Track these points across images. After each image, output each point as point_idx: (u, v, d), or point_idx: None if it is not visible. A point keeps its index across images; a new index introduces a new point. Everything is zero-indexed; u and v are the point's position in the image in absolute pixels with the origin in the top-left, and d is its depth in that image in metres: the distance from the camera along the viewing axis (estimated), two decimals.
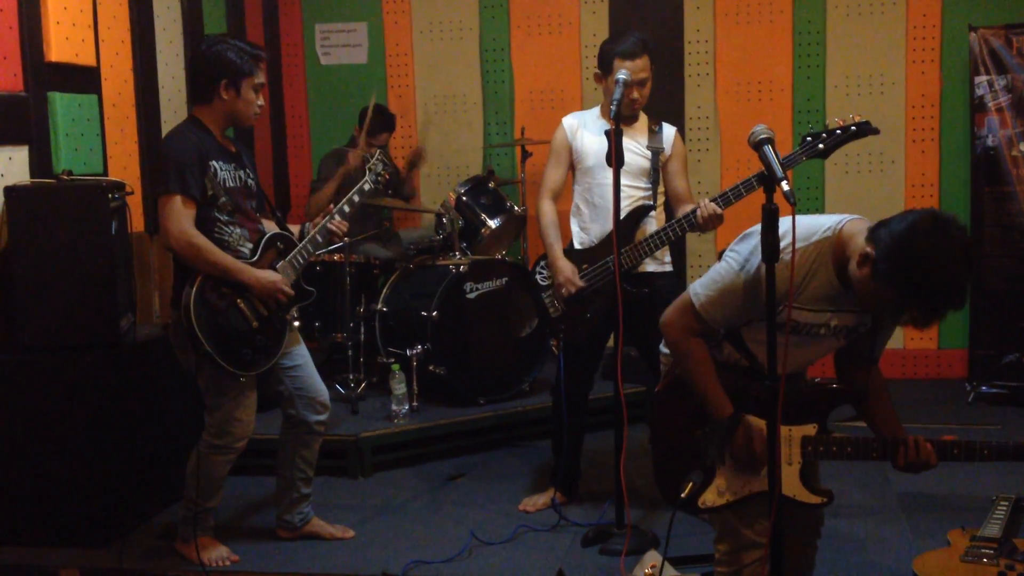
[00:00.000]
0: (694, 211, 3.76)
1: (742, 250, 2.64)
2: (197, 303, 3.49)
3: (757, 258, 2.53)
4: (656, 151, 4.10)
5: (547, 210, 4.19)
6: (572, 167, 4.21)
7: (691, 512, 2.79)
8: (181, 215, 3.47)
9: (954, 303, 2.37)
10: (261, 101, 3.69)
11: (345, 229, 3.82)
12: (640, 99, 4.02)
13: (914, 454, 2.62)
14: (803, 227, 2.54)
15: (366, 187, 3.90)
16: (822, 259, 2.52)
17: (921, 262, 2.32)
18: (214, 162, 3.58)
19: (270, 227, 3.83)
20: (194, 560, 3.73)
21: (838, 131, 3.51)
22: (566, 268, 4.05)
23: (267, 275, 3.63)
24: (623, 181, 3.99)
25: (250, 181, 3.75)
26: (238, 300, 3.58)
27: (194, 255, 3.48)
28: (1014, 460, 2.60)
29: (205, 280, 3.51)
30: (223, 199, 3.59)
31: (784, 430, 2.65)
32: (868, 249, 2.40)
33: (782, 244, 2.41)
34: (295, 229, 3.89)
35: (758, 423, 2.67)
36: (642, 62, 3.98)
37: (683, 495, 2.70)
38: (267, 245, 3.70)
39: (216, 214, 3.58)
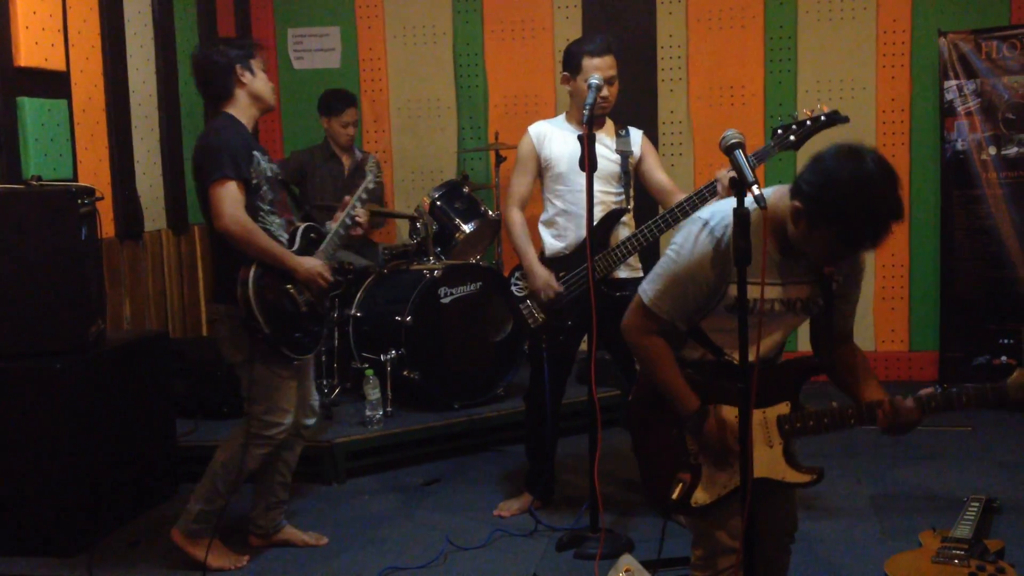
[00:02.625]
0: (713, 184, 3.69)
1: (678, 240, 2.67)
2: (256, 287, 3.54)
3: (690, 244, 2.60)
4: (625, 154, 4.11)
5: (516, 219, 4.18)
6: (540, 175, 4.20)
7: (685, 513, 2.76)
8: (236, 200, 3.54)
9: (893, 212, 2.40)
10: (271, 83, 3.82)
11: (366, 219, 3.97)
12: (610, 97, 4.02)
13: (893, 413, 2.60)
14: (726, 208, 2.57)
15: (371, 186, 4.01)
16: (753, 232, 2.49)
17: (846, 187, 2.37)
18: (256, 152, 3.67)
19: None
20: (201, 560, 3.71)
21: (808, 122, 3.54)
22: (543, 274, 4.03)
23: (310, 261, 3.71)
24: (596, 187, 3.99)
25: (279, 175, 3.85)
26: (287, 286, 3.65)
27: (247, 239, 3.54)
28: (993, 407, 2.58)
29: (257, 266, 3.57)
30: (264, 188, 3.68)
31: (758, 414, 2.65)
32: (796, 204, 2.45)
33: (709, 219, 2.58)
34: None
35: (727, 413, 2.67)
36: (610, 59, 3.99)
37: (674, 497, 2.68)
38: (303, 236, 3.78)
39: (259, 203, 3.65)
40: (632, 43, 6.14)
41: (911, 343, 6.32)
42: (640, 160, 4.16)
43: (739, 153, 2.45)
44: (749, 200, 2.37)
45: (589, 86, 3.80)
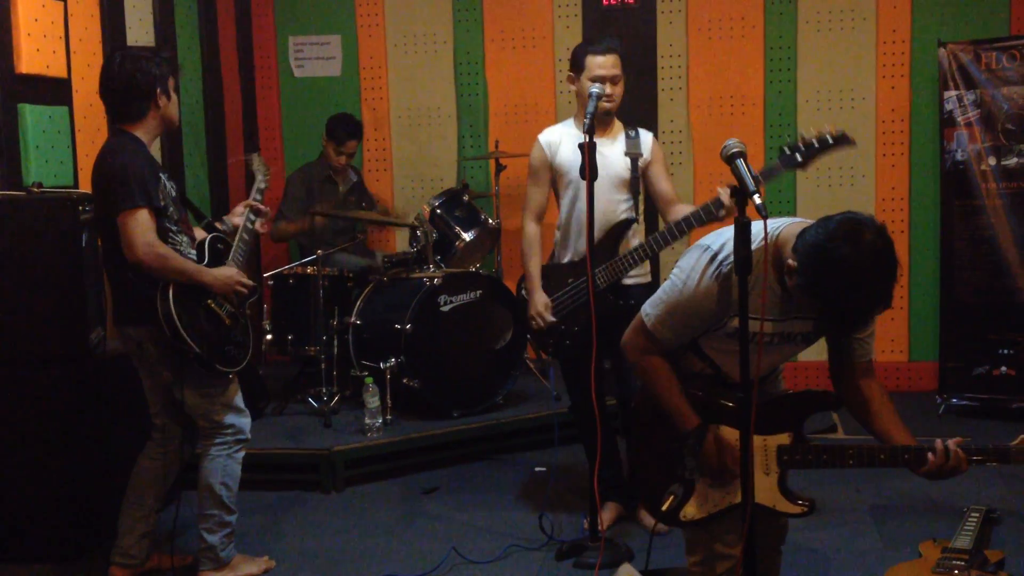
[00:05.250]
0: (718, 201, 3.69)
1: (684, 266, 2.66)
2: (178, 309, 3.48)
3: (696, 276, 2.59)
4: (635, 156, 4.09)
5: (530, 234, 4.16)
6: (554, 183, 4.19)
7: (674, 524, 2.78)
8: (147, 228, 3.45)
9: (875, 306, 2.38)
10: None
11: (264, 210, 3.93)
12: (614, 96, 3.99)
13: (944, 460, 2.52)
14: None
15: (262, 186, 3.99)
16: (758, 268, 2.49)
17: (836, 272, 2.32)
18: (161, 174, 3.60)
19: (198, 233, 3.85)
20: None
21: (815, 143, 3.52)
22: (539, 302, 4.05)
23: (224, 271, 3.65)
24: (605, 194, 4.00)
25: (179, 193, 3.78)
26: (207, 302, 3.60)
27: (162, 265, 3.47)
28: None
29: (175, 287, 3.50)
30: (171, 209, 3.62)
31: (759, 440, 2.65)
32: (791, 262, 2.42)
33: (719, 252, 2.55)
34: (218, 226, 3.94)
35: (727, 434, 2.67)
36: (613, 58, 3.98)
37: (664, 508, 2.70)
38: (211, 248, 3.72)
39: (167, 224, 3.59)
40: (632, 52, 6.14)
41: (911, 353, 6.32)
42: (649, 164, 4.13)
43: (741, 162, 2.46)
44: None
45: (591, 95, 3.79)
